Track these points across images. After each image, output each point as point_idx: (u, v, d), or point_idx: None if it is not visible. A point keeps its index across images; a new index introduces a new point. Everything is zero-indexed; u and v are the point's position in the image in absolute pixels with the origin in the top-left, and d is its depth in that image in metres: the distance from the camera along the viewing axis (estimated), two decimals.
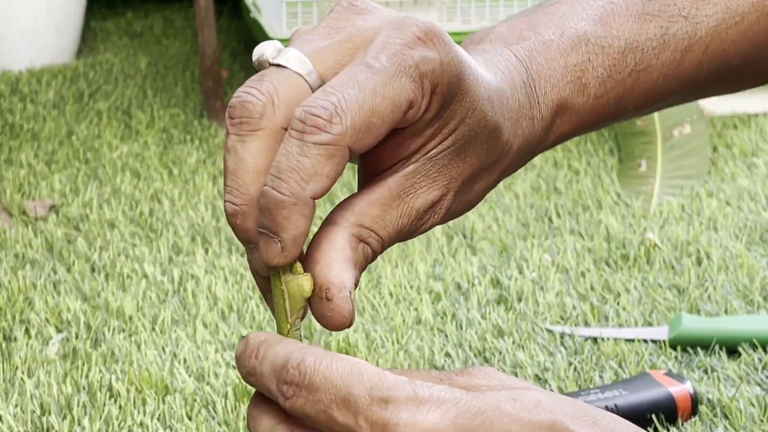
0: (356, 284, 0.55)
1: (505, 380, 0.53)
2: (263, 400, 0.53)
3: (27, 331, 1.29)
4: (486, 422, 0.49)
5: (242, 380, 1.15)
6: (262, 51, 0.54)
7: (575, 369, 1.19)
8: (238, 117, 0.53)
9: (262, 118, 0.52)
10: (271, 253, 0.53)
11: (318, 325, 1.24)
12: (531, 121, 0.61)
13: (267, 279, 0.55)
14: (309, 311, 0.55)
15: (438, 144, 0.56)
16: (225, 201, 0.53)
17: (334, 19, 0.55)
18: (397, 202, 0.56)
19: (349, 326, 0.54)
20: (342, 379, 0.49)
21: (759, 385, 1.15)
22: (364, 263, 0.56)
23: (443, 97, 0.55)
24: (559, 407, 0.50)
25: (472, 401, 0.49)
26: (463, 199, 0.59)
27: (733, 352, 1.22)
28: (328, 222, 0.55)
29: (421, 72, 0.53)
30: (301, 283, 0.54)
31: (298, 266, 0.54)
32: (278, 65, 0.54)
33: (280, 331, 0.55)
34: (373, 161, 0.56)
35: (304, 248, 0.55)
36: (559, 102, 0.62)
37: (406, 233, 0.56)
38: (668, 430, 1.10)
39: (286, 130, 0.53)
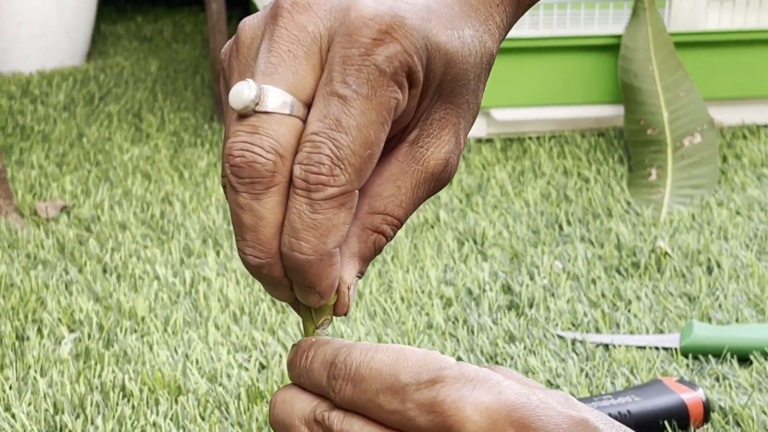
0: (361, 275, 0.56)
1: (526, 380, 0.54)
2: (297, 386, 0.53)
3: (39, 330, 1.30)
4: (527, 405, 0.49)
5: (254, 382, 1.15)
6: (243, 98, 0.52)
7: (587, 375, 1.20)
8: (248, 177, 0.52)
9: (274, 175, 0.52)
10: (312, 300, 0.54)
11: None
12: (500, 7, 0.59)
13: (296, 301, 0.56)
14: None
15: (430, 102, 0.56)
16: (246, 255, 0.53)
17: (283, 27, 0.53)
18: (409, 174, 0.56)
19: (344, 315, 0.56)
20: (387, 367, 0.50)
21: None
22: (373, 254, 0.56)
23: (420, 73, 0.54)
24: (586, 408, 0.51)
25: (513, 385, 0.50)
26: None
27: (744, 360, 1.22)
28: None
29: (391, 73, 0.52)
30: None
31: None
32: (266, 112, 0.52)
33: (307, 335, 0.55)
34: None
35: None
36: None
37: (425, 200, 0.57)
38: None
39: None
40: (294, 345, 0.55)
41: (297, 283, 0.54)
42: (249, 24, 0.55)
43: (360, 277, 0.56)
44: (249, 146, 0.52)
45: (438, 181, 0.57)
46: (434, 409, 0.49)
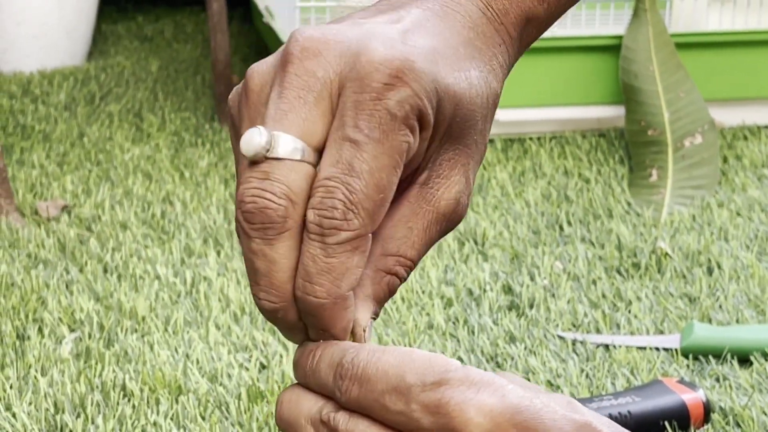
0: (376, 316, 0.56)
1: (527, 384, 0.54)
2: (303, 386, 0.54)
3: (40, 330, 1.30)
4: (531, 408, 0.50)
5: (255, 382, 1.15)
6: (254, 145, 0.53)
7: (587, 376, 1.20)
8: (260, 223, 0.53)
9: (286, 220, 0.53)
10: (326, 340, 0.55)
11: None
12: (503, 48, 0.59)
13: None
14: None
15: (439, 143, 0.56)
16: (260, 299, 0.54)
17: (292, 73, 0.54)
18: (420, 215, 0.56)
19: None
20: (393, 368, 0.51)
21: None
22: (387, 295, 0.57)
23: (431, 116, 0.55)
24: (590, 412, 0.52)
25: (517, 389, 0.50)
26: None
27: (745, 361, 1.22)
28: None
29: (402, 116, 0.53)
30: None
31: None
32: (277, 158, 0.53)
33: None
34: None
35: None
36: (524, 16, 0.60)
37: (437, 240, 0.57)
38: None
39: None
40: (300, 346, 0.55)
41: (311, 327, 0.54)
42: (258, 71, 0.56)
43: (375, 319, 0.56)
44: (261, 192, 0.52)
45: (449, 221, 0.57)
46: (438, 411, 0.49)
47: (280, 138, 0.53)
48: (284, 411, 0.54)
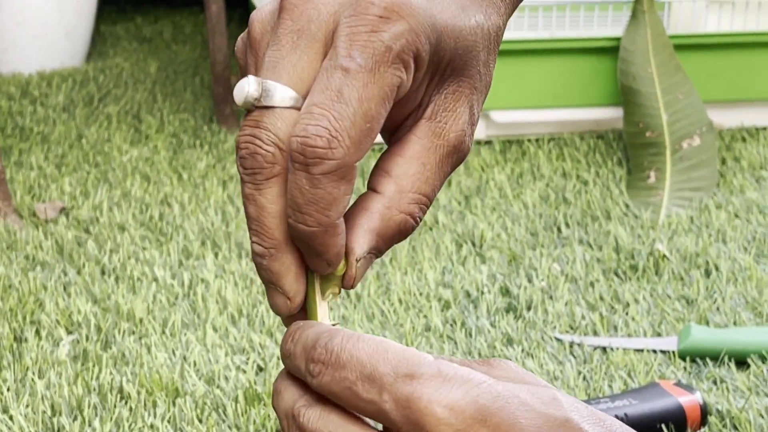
0: (378, 253, 0.56)
1: (523, 375, 0.54)
2: (290, 375, 0.54)
3: (38, 332, 1.30)
4: (505, 408, 0.49)
5: (252, 384, 1.15)
6: (245, 93, 0.54)
7: (584, 378, 1.20)
8: (251, 168, 0.54)
9: (273, 165, 0.53)
10: (319, 267, 0.55)
11: None
12: None
13: (290, 319, 0.56)
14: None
15: (442, 79, 0.56)
16: (252, 242, 0.55)
17: (287, 19, 0.54)
18: (432, 150, 0.56)
19: (351, 288, 0.56)
20: (368, 357, 0.50)
21: None
22: (396, 236, 0.56)
23: (426, 55, 0.54)
24: (574, 407, 0.51)
25: (494, 385, 0.50)
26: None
27: (742, 363, 1.22)
28: (372, 191, 0.56)
29: (397, 52, 0.52)
30: None
31: None
32: (266, 107, 0.54)
33: (311, 316, 0.56)
34: (389, 119, 0.56)
35: None
36: None
37: (449, 175, 0.57)
38: None
39: None
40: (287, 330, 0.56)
41: (305, 251, 0.54)
42: (258, 18, 0.56)
43: (377, 256, 0.56)
44: (251, 139, 0.54)
45: (459, 153, 0.57)
46: (409, 405, 0.49)
47: (269, 86, 0.53)
48: (273, 401, 0.54)
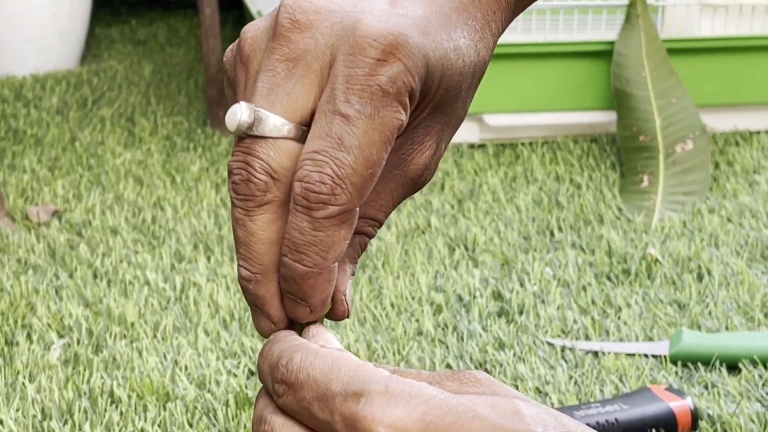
0: (353, 274, 0.57)
1: (494, 387, 0.52)
2: None
3: (29, 335, 1.29)
4: (456, 423, 0.48)
5: (243, 388, 1.15)
6: (237, 120, 0.53)
7: (576, 383, 1.20)
8: (243, 194, 0.54)
9: (265, 193, 0.53)
10: (299, 314, 0.55)
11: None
12: (497, 15, 0.59)
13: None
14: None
15: (418, 116, 0.56)
16: (239, 267, 0.55)
17: (283, 45, 0.54)
18: (388, 179, 0.57)
19: (346, 318, 0.56)
20: (322, 375, 0.50)
21: (759, 401, 1.15)
22: (359, 254, 0.57)
23: (417, 93, 0.54)
24: (538, 418, 0.49)
25: (446, 400, 0.48)
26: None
27: (733, 368, 1.22)
28: None
29: (394, 93, 0.53)
30: None
31: None
32: (258, 136, 0.54)
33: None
34: None
35: None
36: None
37: (402, 201, 0.58)
38: None
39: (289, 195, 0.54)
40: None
41: (289, 296, 0.54)
42: (251, 34, 0.56)
43: (353, 276, 0.57)
44: (244, 166, 0.53)
45: (415, 184, 0.58)
46: (354, 425, 0.48)
47: (262, 115, 0.53)
48: (254, 407, 0.55)
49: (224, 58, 0.58)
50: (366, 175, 0.52)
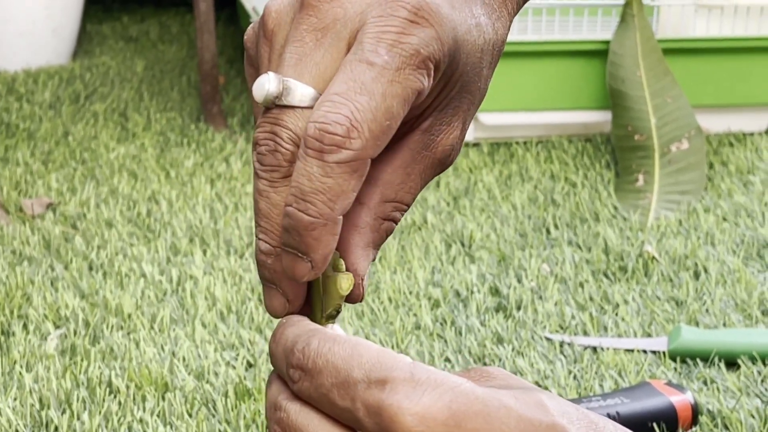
0: (373, 259, 0.56)
1: (511, 381, 0.52)
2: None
3: (25, 326, 1.29)
4: (483, 412, 0.47)
5: (242, 380, 1.15)
6: (265, 90, 0.52)
7: (575, 377, 1.19)
8: (269, 165, 0.52)
9: (291, 164, 0.52)
10: (300, 271, 0.53)
11: None
12: None
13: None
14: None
15: (447, 94, 0.56)
16: (258, 239, 0.53)
17: (312, 16, 0.53)
18: (418, 161, 0.56)
19: (360, 302, 0.55)
20: (343, 362, 0.49)
21: (759, 397, 1.15)
22: (383, 240, 0.56)
23: (446, 67, 0.54)
24: (562, 410, 0.49)
25: (473, 389, 0.47)
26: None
27: (732, 364, 1.22)
28: (355, 201, 0.54)
29: (423, 57, 0.52)
30: (339, 281, 0.54)
31: (341, 263, 0.54)
32: (286, 106, 0.53)
33: (313, 321, 0.55)
34: None
35: None
36: None
37: (430, 181, 0.57)
38: None
39: None
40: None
41: (289, 249, 0.52)
42: (276, 9, 0.55)
43: (373, 260, 0.56)
44: (271, 136, 0.52)
45: (443, 165, 0.57)
46: (379, 413, 0.47)
47: (290, 84, 0.52)
48: (266, 393, 0.53)
49: (245, 37, 0.57)
50: (384, 125, 0.51)
